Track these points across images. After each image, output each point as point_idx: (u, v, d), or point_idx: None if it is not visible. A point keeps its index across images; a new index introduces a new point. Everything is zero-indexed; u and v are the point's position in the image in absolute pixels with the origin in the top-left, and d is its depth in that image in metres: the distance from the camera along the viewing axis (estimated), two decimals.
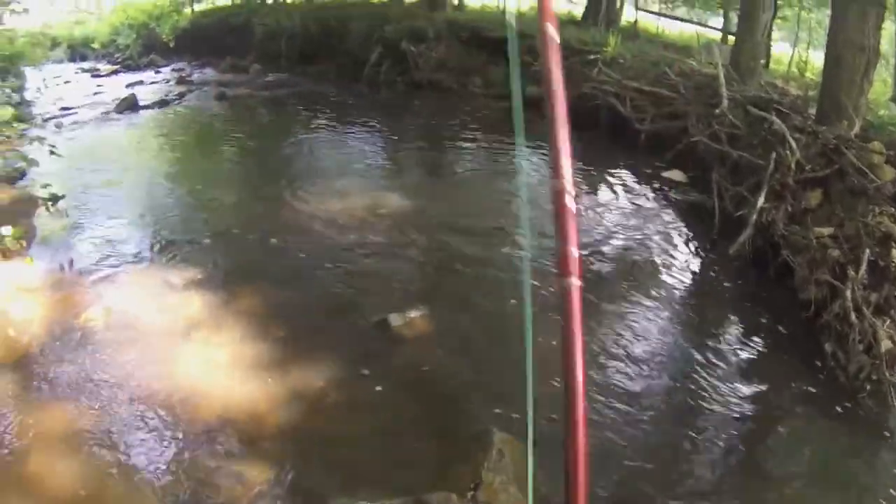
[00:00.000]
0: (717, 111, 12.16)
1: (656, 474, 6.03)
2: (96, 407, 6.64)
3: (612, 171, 13.28)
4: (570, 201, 2.10)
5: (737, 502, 5.88)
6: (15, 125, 11.28)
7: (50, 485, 5.80)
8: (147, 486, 5.80)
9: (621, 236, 10.43)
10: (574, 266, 2.12)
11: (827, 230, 8.77)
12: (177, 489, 5.76)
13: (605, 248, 9.99)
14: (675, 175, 12.40)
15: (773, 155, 10.05)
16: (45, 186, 10.62)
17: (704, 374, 7.35)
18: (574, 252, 2.13)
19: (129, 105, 18.52)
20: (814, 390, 7.24)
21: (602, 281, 9.10)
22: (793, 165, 9.73)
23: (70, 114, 17.81)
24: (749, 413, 6.90)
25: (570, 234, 2.13)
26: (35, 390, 6.89)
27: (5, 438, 6.24)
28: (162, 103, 19.17)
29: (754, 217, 9.57)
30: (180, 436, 6.31)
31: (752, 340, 8.10)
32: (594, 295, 8.65)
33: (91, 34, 29.81)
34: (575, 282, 2.11)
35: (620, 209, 11.56)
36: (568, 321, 2.20)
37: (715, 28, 23.91)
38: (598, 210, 11.47)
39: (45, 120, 15.65)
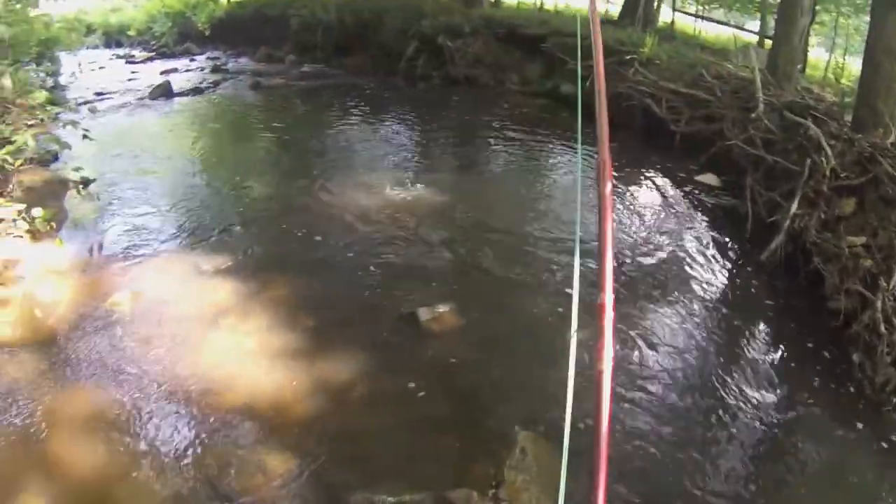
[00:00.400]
0: (753, 115, 12.09)
1: (677, 481, 5.98)
2: (120, 391, 6.67)
3: (646, 172, 13.22)
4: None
5: None
6: (49, 108, 11.34)
7: (72, 467, 5.83)
8: (168, 471, 5.82)
9: (653, 239, 10.38)
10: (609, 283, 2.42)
11: (860, 239, 8.69)
12: (198, 475, 5.77)
13: (636, 250, 9.94)
14: (709, 179, 12.31)
15: (808, 161, 9.98)
16: (76, 170, 10.70)
17: (730, 381, 7.30)
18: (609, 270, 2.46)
19: (164, 92, 18.55)
20: (839, 401, 7.17)
21: (632, 283, 9.04)
22: (827, 172, 9.64)
23: (104, 99, 17.85)
24: (773, 422, 6.83)
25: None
26: (59, 372, 6.92)
27: (29, 419, 6.27)
28: (196, 91, 19.19)
29: (787, 223, 9.49)
30: (203, 422, 6.32)
31: (779, 348, 8.04)
32: (623, 297, 8.60)
33: (127, 21, 29.84)
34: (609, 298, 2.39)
35: (653, 210, 11.51)
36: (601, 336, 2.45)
37: (752, 31, 23.76)
38: (630, 211, 11.41)
39: (79, 104, 15.60)
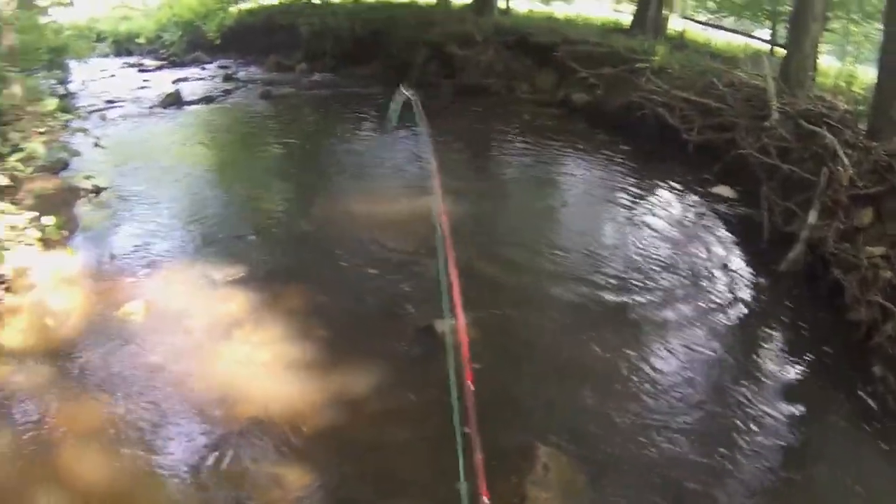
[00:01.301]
0: (767, 123, 12.03)
1: (691, 493, 5.91)
2: (132, 401, 6.61)
3: (659, 181, 13.14)
4: None
5: None
6: (59, 116, 11.34)
7: (83, 477, 5.79)
8: (182, 484, 5.76)
9: (668, 249, 10.29)
10: None
11: (878, 250, 8.59)
12: (212, 488, 5.71)
13: (651, 262, 9.85)
14: (724, 191, 12.22)
15: (825, 170, 9.90)
16: (87, 178, 10.71)
17: (747, 392, 7.21)
18: None
19: (174, 100, 18.55)
20: (860, 414, 7.07)
21: (648, 294, 8.95)
22: (845, 182, 9.54)
23: (115, 107, 17.85)
24: (790, 435, 6.72)
25: None
26: (71, 381, 6.88)
27: (40, 429, 6.23)
28: (207, 100, 19.18)
29: (805, 234, 9.40)
30: (217, 434, 6.26)
31: (798, 360, 7.91)
32: (640, 307, 8.56)
33: (137, 29, 29.94)
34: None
35: (667, 220, 11.41)
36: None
37: (762, 39, 23.68)
38: (644, 221, 11.33)
39: (90, 112, 15.69)
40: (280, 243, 10.11)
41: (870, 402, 7.20)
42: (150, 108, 17.98)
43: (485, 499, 2.57)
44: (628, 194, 12.54)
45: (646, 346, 7.82)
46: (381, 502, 5.57)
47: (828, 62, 20.00)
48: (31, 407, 6.47)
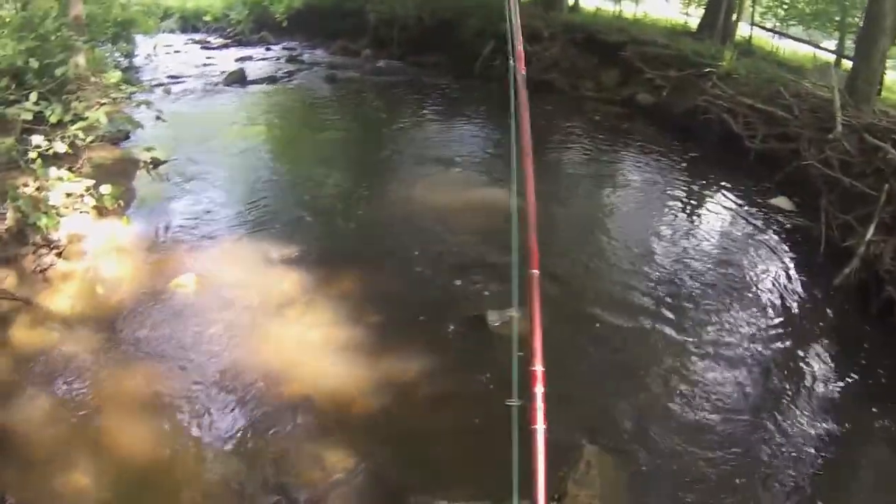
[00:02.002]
0: (831, 136, 11.85)
1: (727, 500, 5.87)
2: (179, 373, 6.68)
3: (719, 187, 13.04)
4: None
5: None
6: (123, 88, 11.41)
7: (125, 446, 5.85)
8: (224, 457, 5.81)
9: (723, 257, 10.21)
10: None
11: None
12: (254, 463, 5.75)
13: (704, 267, 9.78)
14: (782, 203, 12.04)
15: (886, 186, 9.74)
16: (148, 150, 10.80)
17: (793, 406, 7.13)
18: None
19: (238, 79, 18.65)
20: None
21: (702, 302, 8.87)
22: None
23: (178, 82, 18.00)
24: (832, 452, 6.61)
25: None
26: (119, 350, 6.96)
27: (86, 395, 6.31)
28: (271, 80, 19.27)
29: (862, 249, 9.26)
30: (263, 411, 6.29)
31: (847, 376, 7.78)
32: (694, 315, 8.51)
33: (204, 7, 30.11)
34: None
35: (725, 229, 11.33)
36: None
37: (829, 50, 23.39)
38: (701, 227, 11.26)
39: (153, 86, 15.83)
40: (337, 226, 10.13)
41: None
42: (214, 84, 18.12)
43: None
44: (688, 200, 12.51)
45: (697, 354, 7.75)
46: (421, 490, 5.54)
47: (893, 77, 19.73)
48: (78, 373, 6.55)
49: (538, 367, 2.63)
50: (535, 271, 3.39)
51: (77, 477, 5.50)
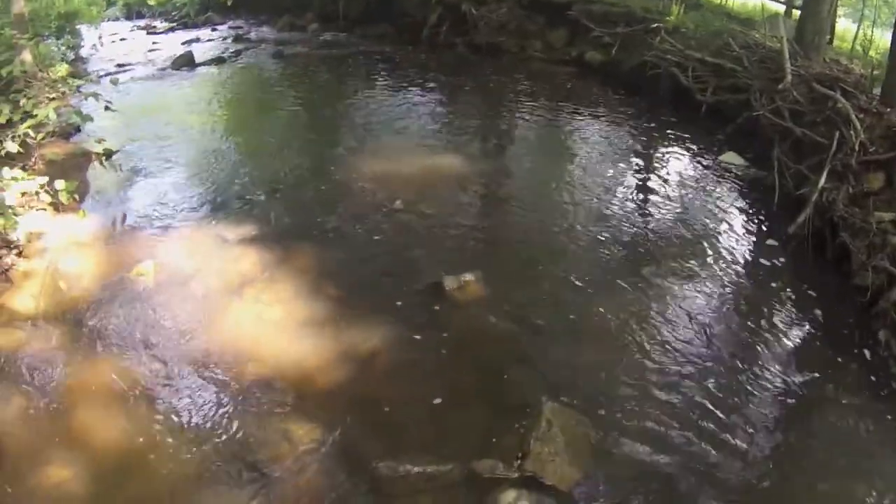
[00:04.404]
0: (781, 86, 11.93)
1: (690, 451, 6.00)
2: (144, 361, 6.72)
3: (671, 141, 13.19)
4: None
5: (772, 491, 5.76)
6: (70, 81, 11.37)
7: (97, 437, 5.89)
8: (193, 441, 5.86)
9: (678, 211, 10.32)
10: None
11: (889, 215, 8.59)
12: (223, 444, 5.82)
13: (660, 222, 9.91)
14: (733, 158, 12.10)
15: (837, 134, 9.87)
16: (99, 141, 10.76)
17: (750, 354, 7.29)
18: None
19: (186, 62, 18.47)
20: (863, 378, 7.11)
21: (657, 255, 9.00)
22: (856, 146, 9.52)
23: (126, 70, 17.79)
24: (792, 398, 6.79)
25: None
26: (84, 342, 6.98)
27: (54, 389, 6.34)
28: (219, 60, 19.08)
29: (815, 196, 9.37)
30: (228, 391, 6.36)
31: (803, 323, 7.99)
32: (649, 268, 8.63)
33: None
34: None
35: (677, 182, 11.44)
36: None
37: (778, 1, 23.50)
38: (655, 182, 11.38)
39: (101, 76, 15.59)
40: (292, 203, 10.13)
41: (873, 366, 7.25)
42: (162, 70, 17.94)
43: None
44: (640, 155, 12.62)
45: (654, 307, 7.89)
46: (387, 457, 5.62)
47: (844, 25, 19.85)
48: (45, 368, 6.57)
49: None
50: None
51: (53, 472, 5.53)
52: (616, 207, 10.20)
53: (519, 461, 5.60)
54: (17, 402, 6.18)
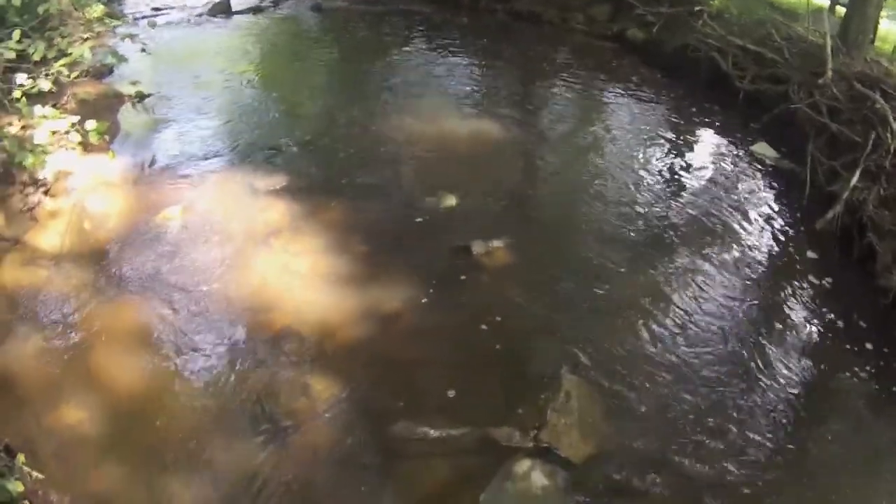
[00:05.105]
0: (821, 81, 11.79)
1: (700, 430, 6.06)
2: (167, 305, 6.77)
3: (707, 126, 13.05)
4: None
5: (779, 485, 5.76)
6: (106, 21, 11.28)
7: (116, 380, 5.95)
8: (212, 388, 5.91)
9: (706, 194, 10.28)
10: None
11: None
12: (242, 393, 5.86)
13: (689, 205, 9.88)
14: (765, 149, 11.97)
15: (873, 135, 9.77)
16: (132, 84, 10.72)
17: (769, 345, 7.31)
18: None
19: (223, 9, 18.27)
20: (878, 379, 7.07)
21: (681, 237, 9.01)
22: (892, 148, 9.42)
23: (162, 14, 17.61)
24: (806, 391, 6.84)
25: None
26: (106, 284, 7.03)
27: (77, 332, 6.38)
28: (256, 10, 18.85)
29: (846, 194, 9.29)
30: (250, 341, 6.40)
31: (823, 318, 7.94)
32: (675, 252, 8.63)
33: None
34: None
35: (709, 167, 11.36)
36: None
37: None
38: (687, 165, 11.29)
39: (137, 19, 15.56)
40: (323, 156, 10.13)
41: (890, 368, 7.20)
42: (199, 15, 17.76)
43: None
44: (675, 137, 12.46)
45: (677, 289, 7.91)
46: (405, 417, 5.63)
47: (886, 26, 19.65)
48: (68, 308, 6.64)
49: None
50: None
51: (71, 412, 5.61)
52: (647, 187, 10.16)
53: (536, 431, 5.61)
54: (37, 342, 6.25)
